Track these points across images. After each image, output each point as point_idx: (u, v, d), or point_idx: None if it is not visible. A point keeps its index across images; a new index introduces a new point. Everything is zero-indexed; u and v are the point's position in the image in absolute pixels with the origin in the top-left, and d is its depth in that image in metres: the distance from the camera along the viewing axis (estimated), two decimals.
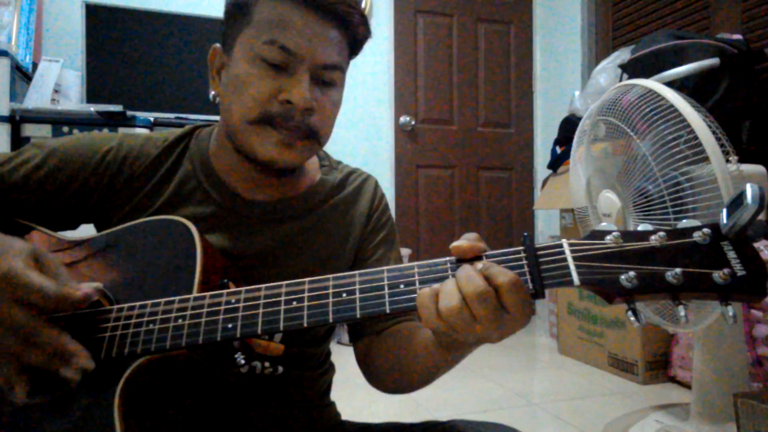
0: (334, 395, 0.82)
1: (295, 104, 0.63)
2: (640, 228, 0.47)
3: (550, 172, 2.53)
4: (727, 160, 1.04)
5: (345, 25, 0.67)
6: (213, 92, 0.71)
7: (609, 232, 0.47)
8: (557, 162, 2.43)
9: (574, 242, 0.48)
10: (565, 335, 2.39)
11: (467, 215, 3.26)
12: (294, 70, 0.64)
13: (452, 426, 0.68)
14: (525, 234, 0.50)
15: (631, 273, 0.44)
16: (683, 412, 1.50)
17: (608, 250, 0.46)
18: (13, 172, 0.67)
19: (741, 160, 1.08)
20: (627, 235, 0.47)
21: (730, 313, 0.43)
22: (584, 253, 0.47)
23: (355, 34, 0.69)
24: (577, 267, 0.46)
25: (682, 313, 0.45)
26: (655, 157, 1.13)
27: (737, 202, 0.43)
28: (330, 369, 0.81)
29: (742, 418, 1.10)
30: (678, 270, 0.43)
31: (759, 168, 1.35)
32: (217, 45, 0.71)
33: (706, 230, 0.45)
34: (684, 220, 0.47)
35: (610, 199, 1.29)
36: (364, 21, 0.68)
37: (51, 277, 0.52)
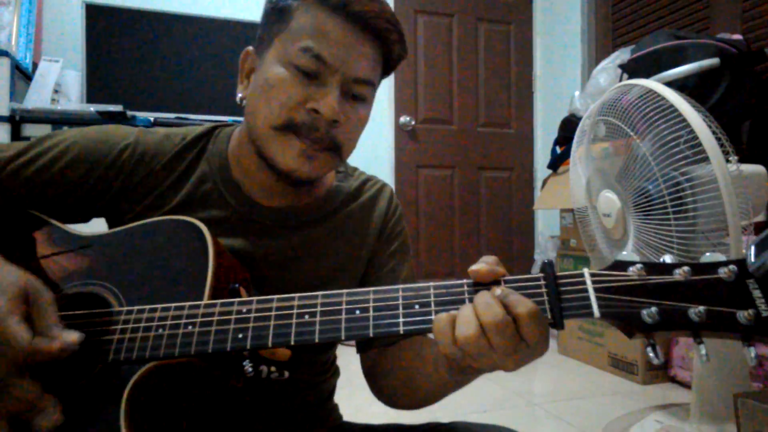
0: (335, 395, 0.82)
1: (322, 114, 0.62)
2: (663, 260, 0.46)
3: (550, 172, 2.53)
4: (727, 160, 1.04)
5: (382, 42, 0.66)
6: (240, 95, 0.70)
7: (632, 264, 0.46)
8: (557, 162, 2.43)
9: (596, 273, 0.47)
10: (565, 335, 2.39)
11: (467, 215, 3.26)
12: (325, 80, 0.63)
13: (453, 428, 0.68)
14: (545, 261, 0.48)
15: (653, 309, 0.43)
16: (683, 412, 1.50)
17: (631, 283, 0.45)
18: (29, 164, 0.66)
19: (741, 160, 1.08)
20: (650, 268, 0.46)
21: (752, 354, 0.42)
22: (606, 285, 0.46)
23: (390, 52, 0.67)
24: (598, 299, 0.45)
25: (703, 352, 0.44)
26: (655, 157, 1.13)
27: (766, 240, 0.42)
28: (335, 373, 0.81)
29: (742, 418, 1.10)
30: (701, 308, 0.43)
31: (759, 168, 1.35)
32: (250, 48, 0.70)
33: (732, 267, 0.43)
34: (707, 254, 0.46)
35: (610, 199, 1.29)
36: (401, 39, 0.67)
37: (39, 319, 0.50)
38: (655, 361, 0.44)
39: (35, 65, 2.28)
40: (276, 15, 0.65)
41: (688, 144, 1.06)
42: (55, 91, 2.28)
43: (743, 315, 0.42)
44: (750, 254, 0.44)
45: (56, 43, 2.52)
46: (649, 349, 0.44)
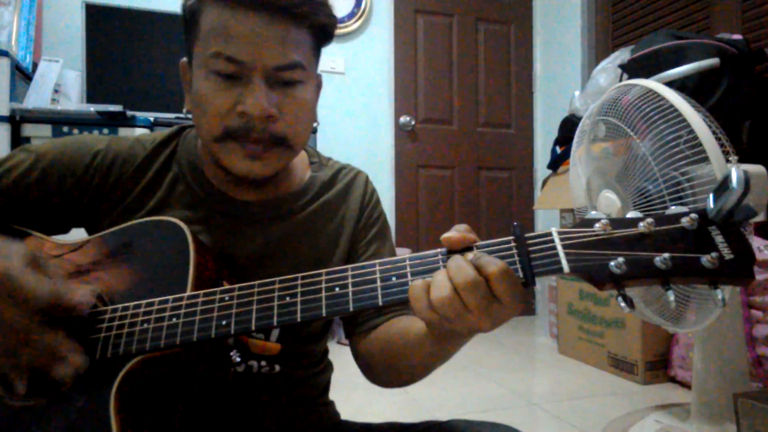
0: (334, 395, 0.82)
1: (252, 115, 0.61)
2: (629, 215, 0.48)
3: (550, 172, 2.53)
4: (727, 160, 1.04)
5: (295, 19, 0.62)
6: (185, 108, 0.70)
7: (598, 220, 0.48)
8: (557, 162, 2.43)
9: (563, 230, 0.48)
10: (565, 335, 2.39)
11: (467, 215, 3.26)
12: (247, 78, 0.61)
13: (452, 426, 0.68)
14: (515, 224, 0.50)
15: (620, 259, 0.45)
16: (683, 412, 1.50)
17: (597, 237, 0.47)
18: (2, 178, 0.67)
19: (741, 160, 1.08)
20: (616, 222, 0.47)
21: (719, 297, 0.44)
22: (573, 241, 0.47)
23: (311, 24, 0.64)
24: (567, 255, 0.47)
25: (672, 298, 0.45)
26: (655, 157, 1.13)
27: (723, 186, 0.44)
28: (328, 368, 0.81)
29: (742, 418, 1.10)
30: (666, 255, 0.44)
31: (759, 168, 1.35)
32: (184, 60, 0.69)
33: (693, 215, 0.45)
34: (672, 207, 0.47)
35: (610, 199, 1.29)
36: (316, 8, 0.63)
37: (53, 278, 0.52)
38: (626, 311, 0.46)
39: (35, 65, 2.28)
40: (187, 23, 0.65)
41: (688, 144, 1.06)
42: (55, 91, 2.28)
43: (707, 259, 0.43)
44: (709, 201, 0.45)
45: (56, 43, 2.52)
46: (620, 299, 0.46)
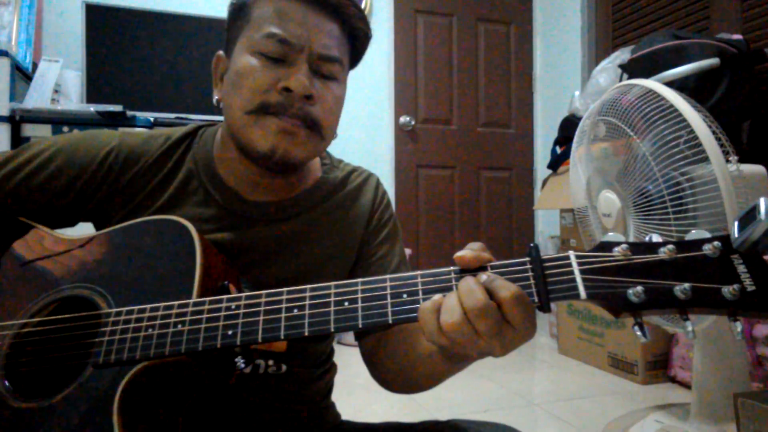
0: (334, 395, 0.82)
1: (294, 91, 0.63)
2: (648, 239, 0.46)
3: (550, 172, 2.53)
4: (727, 160, 1.04)
5: (342, 18, 0.67)
6: (216, 97, 0.71)
7: (617, 244, 0.46)
8: (557, 162, 2.43)
9: (582, 254, 0.47)
10: (565, 335, 2.39)
11: (467, 215, 3.26)
12: (293, 60, 0.64)
13: (452, 426, 0.68)
14: (531, 245, 0.48)
15: (639, 288, 0.44)
16: (683, 412, 1.50)
17: (616, 263, 0.45)
18: (15, 173, 0.67)
19: (741, 160, 1.08)
20: (635, 247, 0.46)
21: (738, 329, 0.43)
22: (592, 266, 0.46)
23: (353, 29, 0.69)
24: (584, 280, 0.45)
25: (690, 328, 0.44)
26: (655, 157, 1.13)
27: (750, 215, 0.42)
28: (332, 368, 0.81)
29: (742, 418, 1.10)
30: (687, 285, 0.43)
31: (759, 168, 1.35)
32: (221, 52, 0.72)
33: (716, 243, 0.44)
34: (693, 231, 0.46)
35: (610, 199, 1.29)
36: (360, 15, 0.69)
37: None
38: (642, 340, 0.44)
39: (35, 65, 2.28)
40: (238, 12, 0.68)
41: (688, 144, 1.06)
42: (55, 91, 2.28)
43: (728, 290, 0.42)
44: (734, 230, 0.43)
45: (56, 43, 2.52)
46: (636, 327, 0.44)
